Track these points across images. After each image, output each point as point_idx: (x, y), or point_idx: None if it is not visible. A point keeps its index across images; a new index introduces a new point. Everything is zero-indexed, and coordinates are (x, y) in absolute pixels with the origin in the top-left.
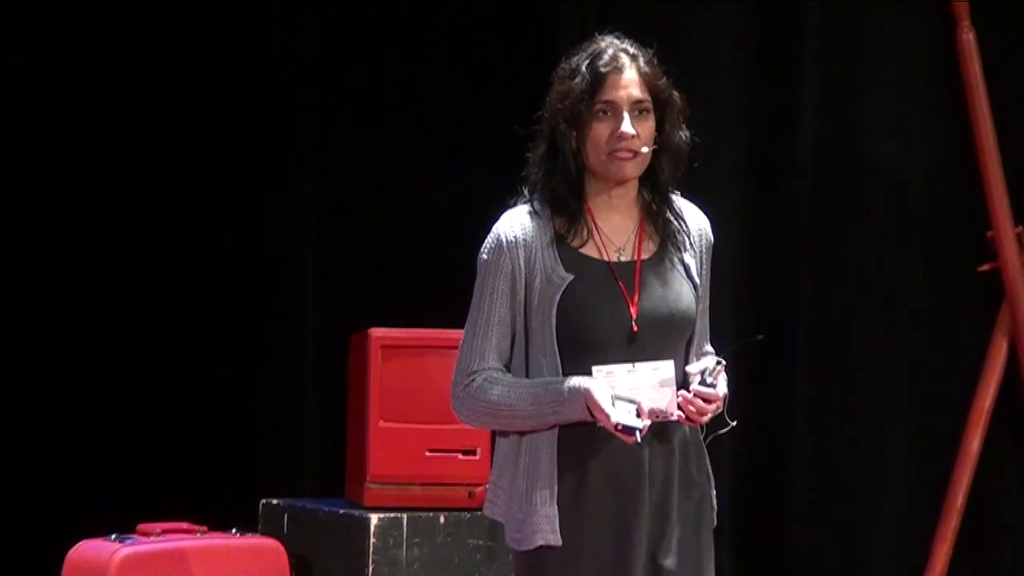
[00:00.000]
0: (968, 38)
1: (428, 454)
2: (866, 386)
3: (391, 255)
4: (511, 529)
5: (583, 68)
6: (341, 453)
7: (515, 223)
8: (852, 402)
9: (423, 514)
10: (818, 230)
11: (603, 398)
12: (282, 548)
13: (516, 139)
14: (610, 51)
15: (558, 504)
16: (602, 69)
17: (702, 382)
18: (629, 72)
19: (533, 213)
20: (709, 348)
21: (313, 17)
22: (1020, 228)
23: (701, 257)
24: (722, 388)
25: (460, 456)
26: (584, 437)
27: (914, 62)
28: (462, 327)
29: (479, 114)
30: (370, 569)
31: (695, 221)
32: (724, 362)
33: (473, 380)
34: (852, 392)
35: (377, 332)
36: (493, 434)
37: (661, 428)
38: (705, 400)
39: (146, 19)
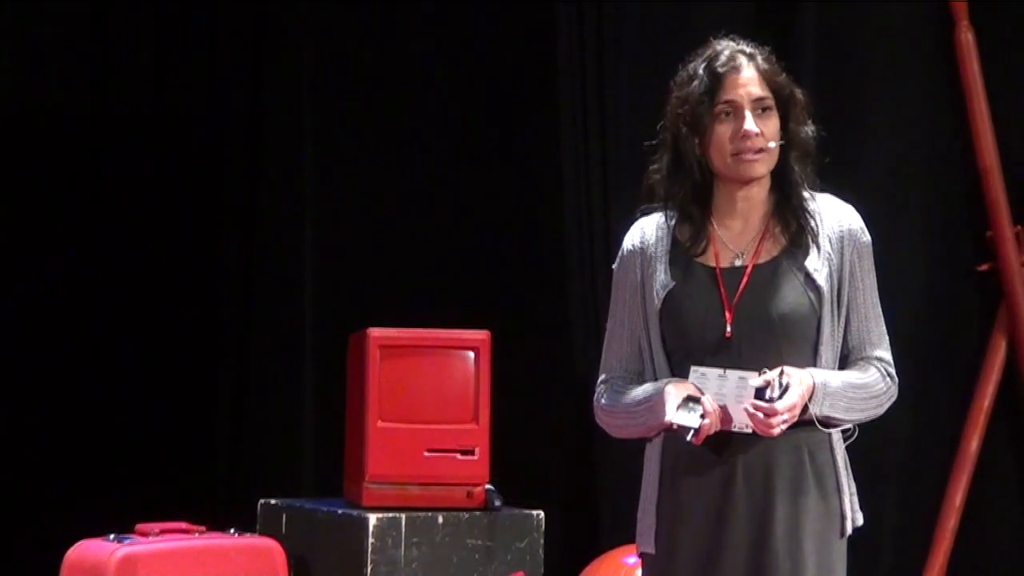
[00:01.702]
0: (967, 38)
1: (426, 454)
2: None
3: (390, 255)
4: (637, 533)
5: (700, 71)
6: (339, 453)
7: (636, 233)
8: None
9: (421, 514)
10: None
11: (671, 397)
12: (280, 548)
13: (515, 139)
14: (726, 52)
15: (657, 513)
16: (719, 70)
17: (760, 395)
18: (747, 71)
19: (657, 222)
20: (877, 353)
21: (312, 15)
22: (1019, 228)
23: (842, 257)
24: (788, 399)
25: (459, 456)
26: (683, 447)
27: (913, 62)
28: (460, 327)
29: (478, 113)
30: (368, 569)
31: (836, 220)
32: (786, 373)
33: (601, 390)
34: None
35: (375, 332)
36: (495, 433)
37: (762, 438)
38: (765, 414)
39: (146, 18)
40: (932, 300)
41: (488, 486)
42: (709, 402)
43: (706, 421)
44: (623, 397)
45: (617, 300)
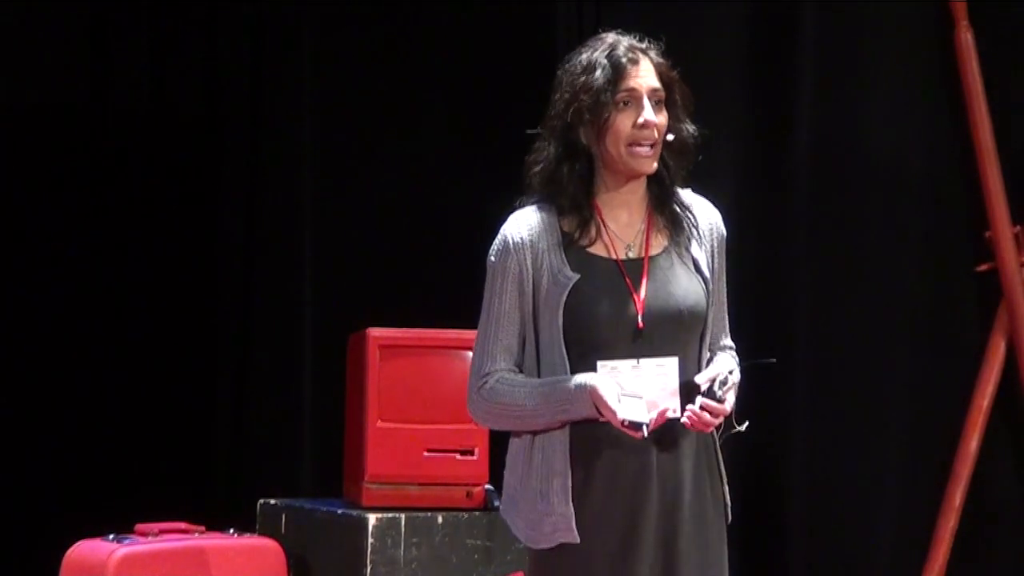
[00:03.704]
0: (966, 38)
1: (426, 454)
2: (865, 386)
3: (389, 255)
4: (526, 527)
5: (602, 60)
6: (339, 453)
7: (522, 224)
8: (851, 401)
9: (421, 514)
10: (816, 230)
11: (609, 395)
12: (280, 548)
13: (515, 138)
14: (625, 43)
15: (573, 502)
16: (622, 59)
17: (710, 393)
18: (645, 62)
19: (540, 213)
20: (728, 342)
21: (311, 17)
22: (1018, 228)
23: (712, 251)
24: (729, 402)
25: (458, 456)
26: (595, 435)
27: (912, 62)
28: (459, 327)
29: (478, 114)
30: (368, 569)
31: (704, 215)
32: (738, 378)
33: (486, 382)
34: (851, 391)
35: (375, 332)
36: (494, 433)
37: (670, 426)
38: (711, 413)
39: (145, 17)
40: (932, 300)
41: (488, 486)
42: (649, 398)
43: (654, 415)
44: (522, 391)
45: (501, 291)
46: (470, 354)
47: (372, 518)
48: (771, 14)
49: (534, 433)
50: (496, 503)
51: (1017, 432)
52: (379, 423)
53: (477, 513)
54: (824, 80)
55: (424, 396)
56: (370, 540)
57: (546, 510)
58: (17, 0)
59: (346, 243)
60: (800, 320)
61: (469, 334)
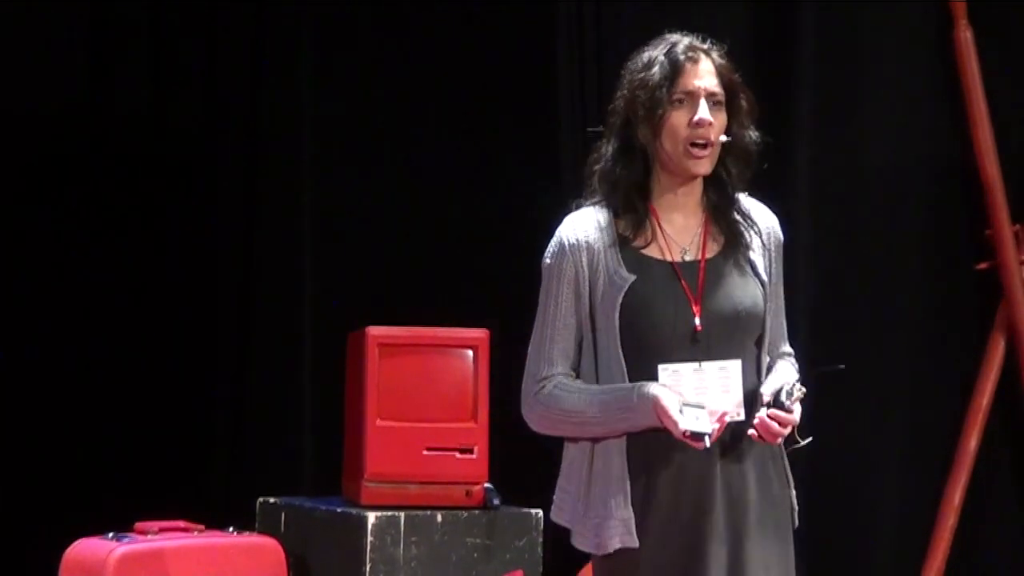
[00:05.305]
0: (966, 37)
1: (425, 452)
2: (865, 384)
3: (389, 254)
4: (589, 534)
5: (660, 57)
6: (338, 451)
7: (577, 226)
8: (851, 400)
9: (420, 512)
10: (816, 229)
11: (671, 405)
12: (279, 547)
13: (514, 139)
14: (685, 42)
15: (632, 507)
16: (680, 58)
17: (778, 404)
18: (705, 63)
19: (596, 215)
20: (787, 348)
21: (311, 17)
22: (1018, 226)
23: (771, 255)
24: (796, 413)
25: (457, 455)
26: (657, 440)
27: (912, 61)
28: (459, 326)
29: (477, 114)
30: (367, 568)
31: (764, 219)
32: (805, 389)
33: (543, 387)
34: (851, 390)
35: (375, 331)
36: (494, 432)
37: (736, 428)
38: (779, 423)
39: (145, 22)
40: (932, 299)
41: (487, 485)
42: (711, 402)
43: (717, 425)
44: (581, 397)
45: (557, 294)
46: (470, 353)
47: (371, 516)
48: (771, 15)
49: (594, 440)
50: (495, 501)
51: (1017, 432)
52: (378, 422)
53: (476, 512)
54: (824, 79)
55: (423, 395)
56: (369, 539)
57: (606, 515)
58: (17, 2)
59: (346, 243)
60: (800, 319)
61: (468, 332)
